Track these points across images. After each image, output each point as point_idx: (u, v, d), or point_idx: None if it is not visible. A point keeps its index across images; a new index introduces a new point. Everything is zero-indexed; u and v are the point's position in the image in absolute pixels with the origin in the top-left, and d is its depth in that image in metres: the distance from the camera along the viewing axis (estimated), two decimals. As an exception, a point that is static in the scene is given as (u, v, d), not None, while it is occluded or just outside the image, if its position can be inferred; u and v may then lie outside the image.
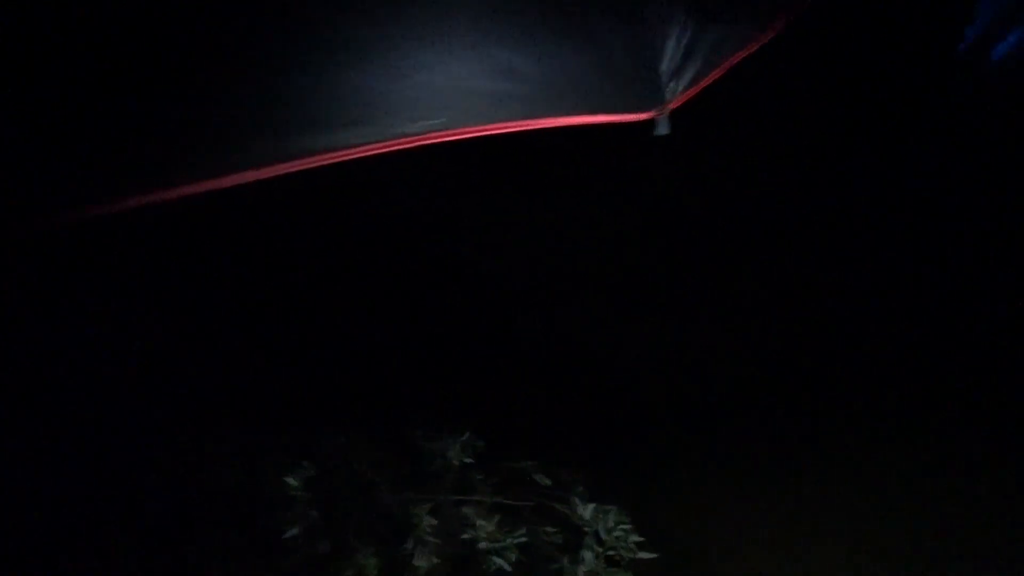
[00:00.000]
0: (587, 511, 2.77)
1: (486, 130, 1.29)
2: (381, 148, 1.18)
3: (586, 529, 2.76)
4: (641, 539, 2.72)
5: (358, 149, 1.16)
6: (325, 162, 1.15)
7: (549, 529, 2.86)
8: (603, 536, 2.70)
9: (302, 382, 3.92)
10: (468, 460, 3.01)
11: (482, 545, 2.75)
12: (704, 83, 1.67)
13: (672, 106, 1.59)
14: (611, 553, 2.71)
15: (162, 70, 1.15)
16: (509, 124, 1.32)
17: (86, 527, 3.42)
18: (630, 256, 4.49)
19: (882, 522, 3.36)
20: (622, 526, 2.73)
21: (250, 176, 1.11)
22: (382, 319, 4.26)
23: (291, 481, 2.97)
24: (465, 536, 2.82)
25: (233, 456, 3.63)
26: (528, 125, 1.34)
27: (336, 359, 4.08)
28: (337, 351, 4.12)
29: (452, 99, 1.31)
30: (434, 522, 2.88)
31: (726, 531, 3.34)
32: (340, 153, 1.15)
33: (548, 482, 3.01)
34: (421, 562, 2.82)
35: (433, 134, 1.24)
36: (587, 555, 2.69)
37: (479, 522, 2.79)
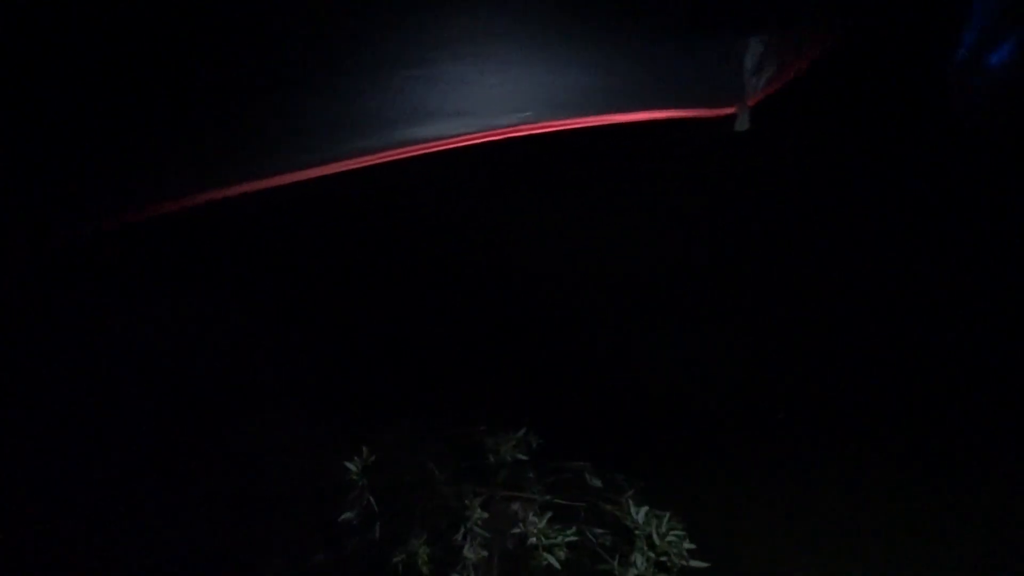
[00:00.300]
0: (640, 514, 2.75)
1: (571, 124, 1.32)
2: (474, 140, 1.24)
3: (637, 532, 2.74)
4: (693, 547, 2.69)
5: (456, 139, 1.22)
6: (426, 151, 1.22)
7: (599, 530, 2.88)
8: (655, 541, 2.67)
9: (368, 376, 4.07)
10: (522, 456, 3.05)
11: (532, 541, 2.76)
12: (783, 80, 1.66)
13: (752, 102, 1.59)
14: (662, 559, 2.69)
15: (273, 67, 1.25)
16: (594, 118, 1.36)
17: (162, 505, 3.65)
18: (696, 260, 4.45)
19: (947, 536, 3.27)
20: (675, 532, 2.71)
21: (365, 161, 1.19)
22: (452, 317, 4.36)
23: (351, 466, 3.07)
24: (515, 531, 2.86)
25: (299, 443, 3.80)
26: (613, 119, 1.37)
27: (403, 354, 4.21)
28: (404, 347, 4.25)
29: (540, 92, 1.36)
30: (485, 515, 2.93)
31: (781, 547, 3.27)
32: (438, 143, 1.22)
33: (600, 484, 3.03)
34: (470, 554, 2.87)
35: (523, 127, 1.29)
36: (638, 558, 2.67)
37: (531, 518, 2.81)
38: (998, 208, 4.06)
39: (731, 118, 1.62)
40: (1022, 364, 3.81)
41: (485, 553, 2.86)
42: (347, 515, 3.06)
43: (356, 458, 3.08)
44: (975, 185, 4.13)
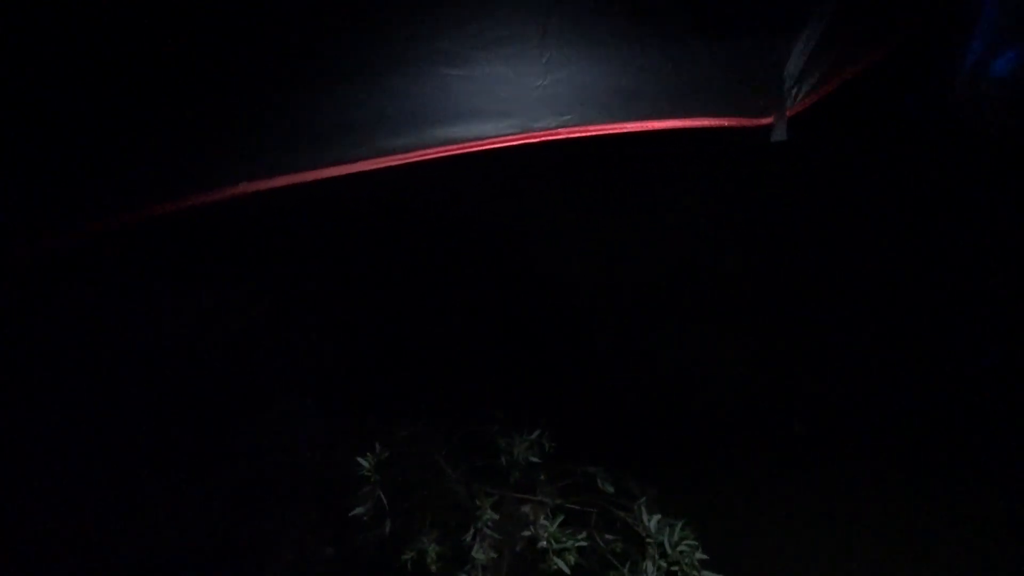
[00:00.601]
0: (652, 522, 2.72)
1: (611, 129, 1.31)
2: (513, 141, 1.23)
3: (649, 540, 2.71)
4: (706, 557, 2.65)
5: (496, 140, 1.22)
6: (466, 150, 1.21)
7: (610, 536, 2.86)
8: (667, 550, 2.63)
9: (383, 373, 4.08)
10: (535, 459, 3.03)
11: (542, 544, 2.75)
12: (822, 93, 1.65)
13: (791, 112, 1.58)
14: (674, 569, 2.65)
15: (319, 63, 1.25)
16: (634, 124, 1.35)
17: (173, 500, 3.68)
18: (718, 268, 4.43)
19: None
20: (687, 542, 2.67)
21: (405, 159, 1.19)
22: (471, 316, 4.37)
23: (363, 462, 3.06)
24: (526, 534, 2.84)
25: (311, 438, 3.81)
26: (653, 125, 1.36)
27: (420, 352, 4.22)
28: (421, 345, 4.26)
29: (581, 95, 1.35)
30: (496, 516, 2.92)
31: (795, 561, 3.25)
32: (478, 143, 1.21)
33: (612, 489, 3.00)
34: (480, 555, 2.86)
35: (563, 130, 1.28)
36: (649, 566, 2.64)
37: (541, 521, 2.79)
38: (1003, 212, 4.05)
39: (768, 128, 1.61)
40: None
41: (495, 554, 2.85)
42: (358, 511, 3.05)
43: (369, 454, 3.07)
44: (980, 191, 4.13)
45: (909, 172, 4.24)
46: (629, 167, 4.25)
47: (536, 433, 3.09)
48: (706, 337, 4.33)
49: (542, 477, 3.07)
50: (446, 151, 1.22)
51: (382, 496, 3.04)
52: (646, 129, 1.34)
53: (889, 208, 4.41)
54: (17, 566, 3.40)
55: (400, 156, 1.23)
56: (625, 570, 2.68)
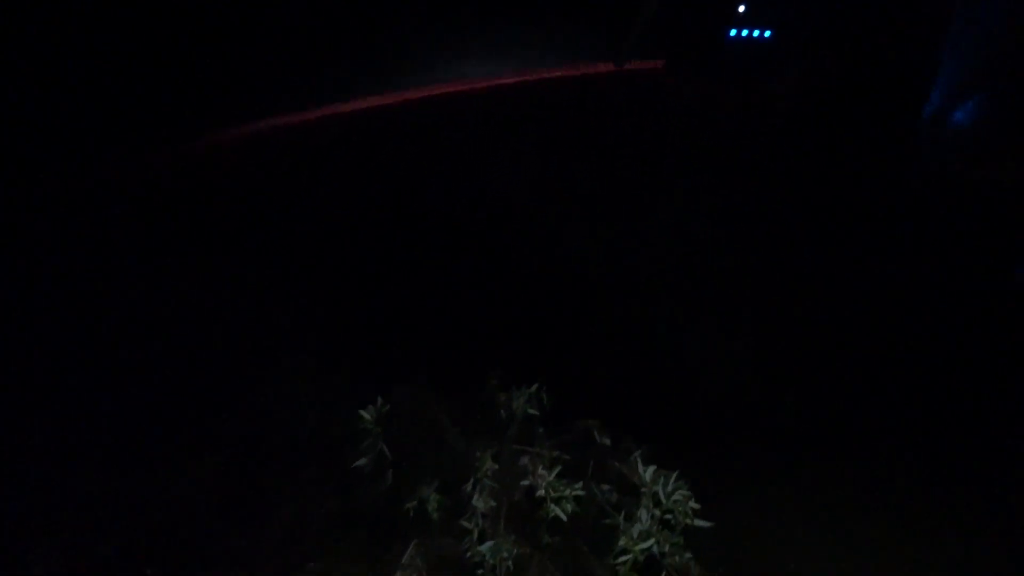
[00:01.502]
0: (647, 473, 2.78)
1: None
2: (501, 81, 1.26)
3: (644, 490, 2.77)
4: (698, 506, 2.72)
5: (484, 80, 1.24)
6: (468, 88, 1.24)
7: (606, 486, 2.92)
8: (661, 499, 2.70)
9: (385, 331, 4.14)
10: (533, 412, 3.09)
11: (540, 493, 2.81)
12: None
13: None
14: (667, 517, 2.72)
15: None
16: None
17: (178, 456, 3.75)
18: (714, 236, 4.50)
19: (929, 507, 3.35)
20: (681, 491, 2.73)
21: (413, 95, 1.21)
22: (471, 276, 4.42)
23: (365, 415, 3.13)
24: (524, 483, 2.91)
25: (314, 394, 3.88)
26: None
27: (421, 310, 4.28)
28: (422, 303, 4.32)
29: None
30: (495, 467, 2.99)
31: (782, 514, 3.33)
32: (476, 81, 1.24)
33: (608, 442, 3.07)
34: (479, 503, 2.92)
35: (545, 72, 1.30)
36: (643, 514, 2.70)
37: (539, 472, 2.85)
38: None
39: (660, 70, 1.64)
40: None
41: (494, 503, 2.90)
42: (361, 462, 3.13)
43: (371, 407, 3.14)
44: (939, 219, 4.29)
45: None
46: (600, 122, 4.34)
47: (534, 387, 3.14)
48: (702, 304, 4.39)
49: (540, 430, 3.13)
50: (450, 88, 1.25)
51: (384, 448, 3.12)
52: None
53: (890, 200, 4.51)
54: (31, 520, 3.47)
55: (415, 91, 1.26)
56: (620, 518, 2.74)
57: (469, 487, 2.96)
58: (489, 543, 2.76)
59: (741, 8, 5.32)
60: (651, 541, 2.60)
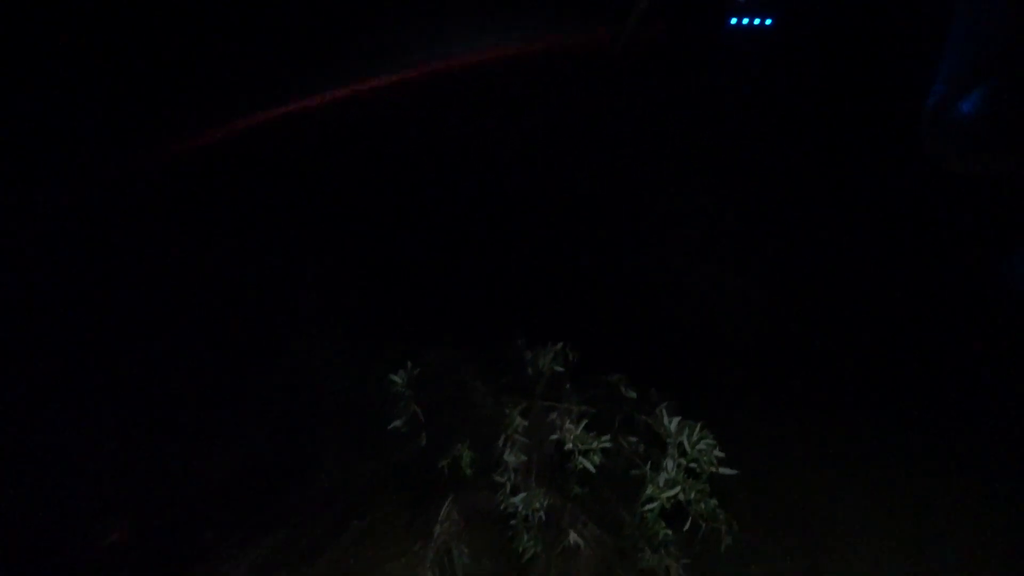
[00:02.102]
0: (672, 424, 2.81)
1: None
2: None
3: (669, 440, 2.81)
4: (723, 455, 2.75)
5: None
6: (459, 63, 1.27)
7: (632, 438, 2.99)
8: (686, 448, 2.74)
9: (414, 296, 4.24)
10: (559, 369, 3.15)
11: (568, 447, 2.89)
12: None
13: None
14: (692, 465, 2.77)
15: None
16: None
17: (229, 429, 3.95)
18: (737, 192, 4.46)
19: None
20: (706, 441, 2.76)
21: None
22: (494, 239, 4.47)
23: (396, 379, 3.23)
24: (553, 438, 2.99)
25: (349, 360, 4.01)
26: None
27: (447, 274, 4.35)
28: (448, 268, 4.39)
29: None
30: (525, 424, 3.07)
31: (805, 462, 3.39)
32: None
33: (634, 396, 3.12)
34: (510, 458, 3.02)
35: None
36: (668, 463, 2.75)
37: (567, 426, 2.92)
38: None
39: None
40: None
41: (524, 457, 3.00)
42: (396, 424, 3.24)
43: (402, 371, 3.22)
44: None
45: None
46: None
47: (560, 345, 3.19)
48: (725, 256, 4.37)
49: (567, 386, 3.20)
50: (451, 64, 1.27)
51: (417, 410, 3.22)
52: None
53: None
54: (106, 494, 3.70)
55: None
56: (647, 468, 2.80)
57: (500, 443, 3.05)
58: (522, 495, 2.87)
59: None
60: (677, 489, 2.67)
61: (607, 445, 2.88)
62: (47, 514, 3.59)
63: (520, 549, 2.83)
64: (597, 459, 2.86)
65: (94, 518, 3.56)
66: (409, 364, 3.25)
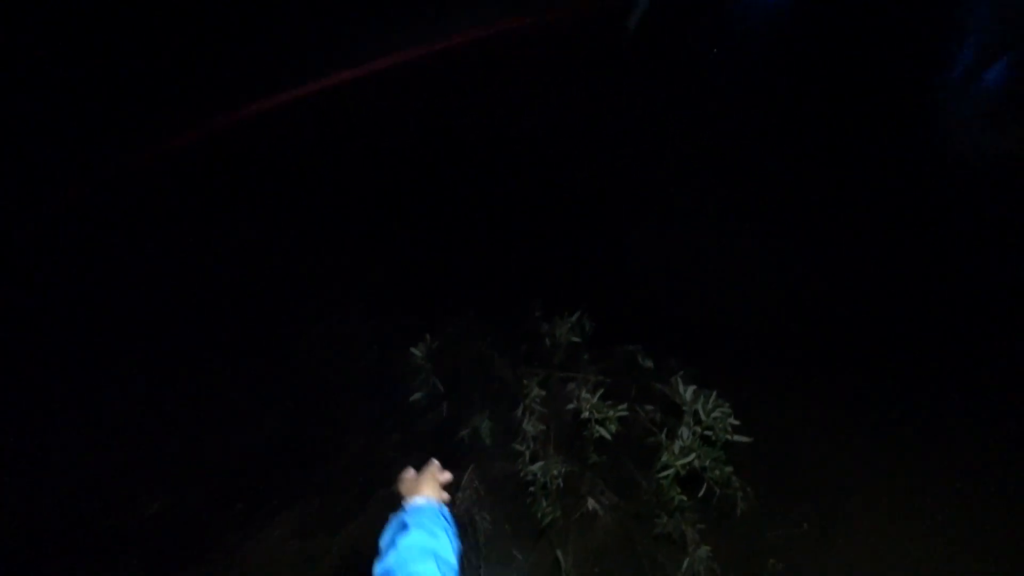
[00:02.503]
0: (688, 392, 2.84)
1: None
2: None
3: (685, 409, 2.84)
4: (738, 423, 2.77)
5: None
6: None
7: (648, 407, 3.03)
8: (702, 416, 2.76)
9: (431, 269, 4.29)
10: (576, 339, 3.19)
11: (585, 416, 2.93)
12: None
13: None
14: (707, 433, 2.79)
15: None
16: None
17: (252, 403, 4.08)
18: (760, 161, 4.41)
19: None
20: (721, 409, 2.78)
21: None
22: (508, 211, 4.48)
23: (416, 352, 3.30)
24: (570, 407, 3.04)
25: (370, 334, 4.09)
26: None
27: (463, 247, 4.39)
28: (464, 240, 4.43)
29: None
30: (543, 394, 3.14)
31: (821, 430, 3.41)
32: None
33: (651, 365, 3.16)
34: (529, 427, 3.09)
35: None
36: (684, 431, 2.78)
37: (584, 395, 2.96)
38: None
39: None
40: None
41: (543, 427, 3.07)
42: (416, 396, 3.32)
43: (421, 344, 3.29)
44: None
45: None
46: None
47: (576, 315, 3.23)
48: (746, 226, 4.34)
49: (585, 357, 3.25)
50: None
51: (437, 382, 3.30)
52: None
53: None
54: (141, 469, 3.88)
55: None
56: (663, 436, 2.84)
57: (519, 413, 3.12)
58: (540, 463, 2.94)
59: None
60: (692, 456, 2.70)
61: (623, 414, 2.91)
62: (96, 488, 3.79)
63: (539, 515, 2.91)
64: (614, 427, 2.90)
65: (137, 490, 3.74)
66: (428, 337, 3.32)
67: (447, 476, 1.64)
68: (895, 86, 4.39)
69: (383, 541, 1.35)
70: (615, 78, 4.73)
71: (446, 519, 1.45)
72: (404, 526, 1.36)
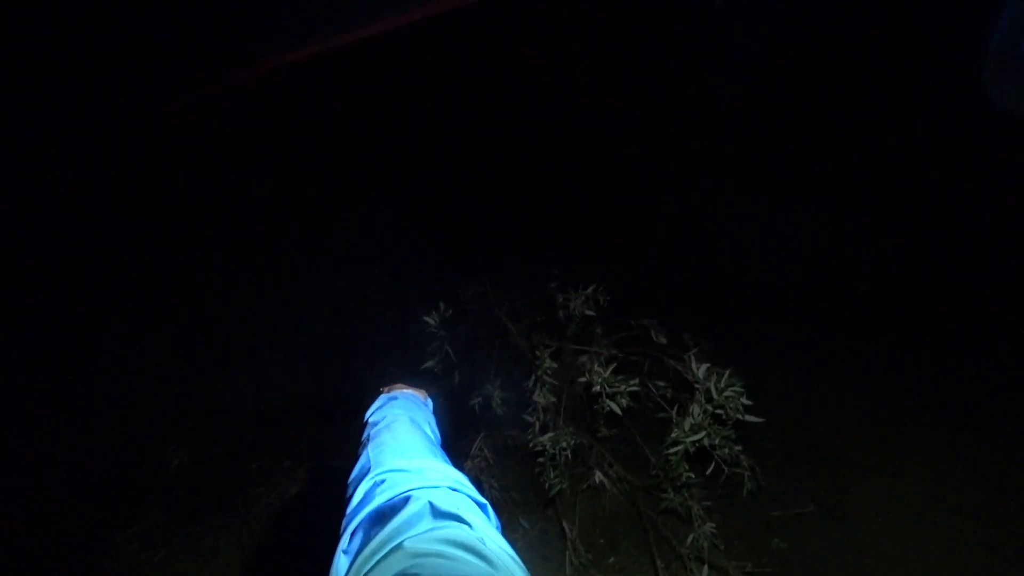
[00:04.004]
0: (701, 370, 2.81)
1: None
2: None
3: (697, 386, 2.82)
4: (750, 403, 2.74)
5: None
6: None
7: (661, 383, 3.01)
8: (714, 395, 2.74)
9: (450, 233, 4.28)
10: (590, 312, 3.17)
11: (596, 389, 2.93)
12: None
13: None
14: (719, 412, 2.77)
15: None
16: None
17: (269, 366, 4.16)
18: (775, 131, 4.26)
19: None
20: (733, 388, 2.75)
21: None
22: (525, 181, 4.43)
23: (429, 320, 3.29)
24: (582, 380, 3.04)
25: (385, 299, 4.11)
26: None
27: (480, 216, 4.37)
28: (481, 209, 4.40)
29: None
30: (555, 366, 3.13)
31: (834, 412, 3.38)
32: None
33: (664, 340, 3.12)
34: (540, 399, 3.10)
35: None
36: (695, 409, 2.76)
37: (596, 368, 2.95)
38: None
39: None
40: None
41: (554, 398, 3.07)
42: (428, 364, 3.33)
43: (434, 312, 3.28)
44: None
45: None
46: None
47: (591, 288, 3.19)
48: (763, 199, 4.24)
49: (598, 330, 3.23)
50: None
51: (449, 350, 3.31)
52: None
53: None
54: (163, 430, 4.01)
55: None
56: (673, 412, 2.83)
57: (530, 384, 3.13)
58: (550, 434, 2.97)
59: None
60: (702, 434, 2.70)
61: (635, 388, 2.90)
62: (120, 442, 3.94)
63: (547, 485, 2.94)
64: (625, 402, 2.90)
65: (159, 446, 3.88)
66: (442, 305, 3.31)
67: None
68: (925, 59, 4.19)
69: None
70: (643, 44, 4.56)
71: (427, 407, 1.55)
72: (393, 398, 1.48)
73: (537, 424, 3.03)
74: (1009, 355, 3.46)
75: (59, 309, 4.60)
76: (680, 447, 2.74)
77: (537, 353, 3.15)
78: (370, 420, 1.39)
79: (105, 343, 4.42)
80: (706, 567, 2.73)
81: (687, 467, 2.80)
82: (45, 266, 4.66)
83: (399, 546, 0.73)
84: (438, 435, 1.43)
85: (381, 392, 1.58)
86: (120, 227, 4.86)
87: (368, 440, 1.28)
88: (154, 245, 4.82)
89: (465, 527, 0.80)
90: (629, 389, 2.89)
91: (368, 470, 1.07)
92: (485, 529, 0.82)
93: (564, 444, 2.93)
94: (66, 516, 3.55)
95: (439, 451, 1.22)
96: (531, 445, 2.99)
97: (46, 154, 4.69)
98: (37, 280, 4.58)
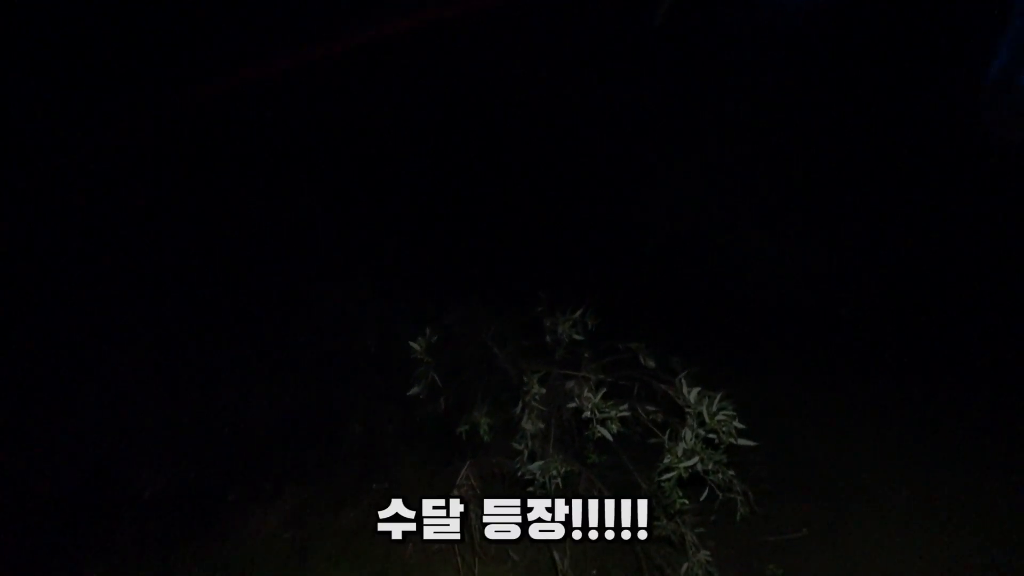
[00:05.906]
0: (692, 394, 2.77)
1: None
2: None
3: (688, 411, 2.78)
4: (743, 427, 2.70)
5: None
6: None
7: (651, 407, 2.96)
8: (705, 418, 2.69)
9: (433, 258, 4.23)
10: (578, 336, 3.12)
11: (586, 415, 2.87)
12: None
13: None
14: (711, 436, 2.73)
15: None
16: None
17: (243, 376, 4.03)
18: (773, 151, 4.31)
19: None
20: (725, 412, 2.71)
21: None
22: (513, 202, 4.41)
23: (415, 345, 3.21)
24: (571, 405, 2.98)
25: (370, 322, 4.03)
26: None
27: (466, 238, 4.33)
28: (467, 230, 4.36)
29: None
30: (543, 391, 3.07)
31: (827, 435, 3.36)
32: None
33: (654, 364, 3.09)
34: (528, 425, 3.02)
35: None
36: (687, 433, 2.71)
37: (585, 394, 2.89)
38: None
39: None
40: None
41: (542, 424, 3.00)
42: (414, 390, 3.25)
43: (420, 338, 3.20)
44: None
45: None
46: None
47: (579, 312, 3.15)
48: (755, 222, 4.27)
49: (586, 354, 3.18)
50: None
51: (435, 377, 3.23)
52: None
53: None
54: (143, 448, 3.86)
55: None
56: (665, 437, 2.77)
57: (518, 410, 3.06)
58: (539, 462, 2.88)
59: None
60: (695, 459, 2.65)
61: (625, 414, 2.85)
62: (93, 469, 3.78)
63: (537, 514, 2.85)
64: (615, 427, 2.84)
65: (133, 473, 3.72)
66: (428, 330, 3.24)
67: None
68: (926, 79, 4.27)
69: None
70: (629, 59, 4.61)
71: None
72: None
73: (525, 452, 2.95)
74: (1000, 378, 3.48)
75: (28, 322, 4.44)
76: (674, 473, 2.68)
77: (525, 378, 3.08)
78: None
79: (75, 359, 4.27)
80: (701, 597, 2.65)
81: (680, 493, 2.74)
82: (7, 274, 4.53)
83: None
84: None
85: None
86: (87, 242, 4.74)
87: None
88: (127, 265, 4.70)
89: None
90: (619, 414, 2.83)
91: None
92: None
93: (554, 472, 2.85)
94: (27, 549, 3.37)
95: None
96: (520, 473, 2.91)
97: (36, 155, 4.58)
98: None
